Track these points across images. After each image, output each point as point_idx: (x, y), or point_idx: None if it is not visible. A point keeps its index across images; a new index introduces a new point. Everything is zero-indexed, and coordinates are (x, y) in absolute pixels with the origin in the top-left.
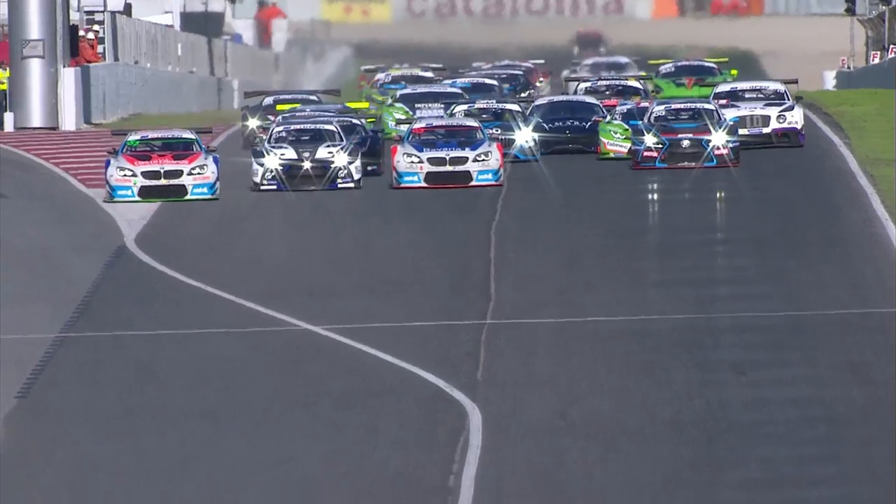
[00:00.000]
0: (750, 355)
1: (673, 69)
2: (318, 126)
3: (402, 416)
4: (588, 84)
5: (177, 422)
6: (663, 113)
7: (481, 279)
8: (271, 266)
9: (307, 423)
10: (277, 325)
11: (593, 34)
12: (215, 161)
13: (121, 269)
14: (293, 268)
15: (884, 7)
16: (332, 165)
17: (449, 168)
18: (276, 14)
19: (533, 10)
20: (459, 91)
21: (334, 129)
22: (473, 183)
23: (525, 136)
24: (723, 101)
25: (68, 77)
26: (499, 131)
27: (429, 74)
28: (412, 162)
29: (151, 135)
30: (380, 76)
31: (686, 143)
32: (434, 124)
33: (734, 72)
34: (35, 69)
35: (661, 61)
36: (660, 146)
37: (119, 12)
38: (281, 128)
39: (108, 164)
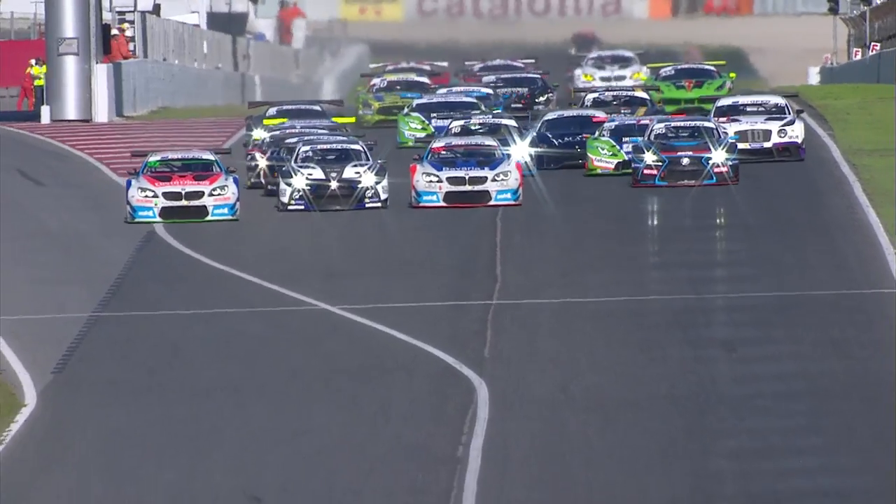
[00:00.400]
0: (739, 333)
1: (673, 72)
2: (344, 146)
3: (414, 390)
4: (595, 95)
5: (203, 395)
6: (663, 130)
7: (488, 262)
8: (292, 250)
9: (325, 397)
10: (297, 305)
11: (588, 34)
12: (235, 182)
13: (150, 253)
14: (312, 252)
15: (865, 7)
16: (360, 185)
17: (468, 187)
18: (297, 14)
19: (536, 10)
20: (475, 100)
21: (361, 149)
22: (492, 203)
23: (521, 151)
24: (724, 119)
25: (101, 73)
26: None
27: (424, 80)
28: (431, 181)
29: (171, 155)
30: (375, 81)
31: (686, 160)
32: (453, 143)
33: (733, 74)
34: (70, 65)
35: (662, 64)
36: (659, 164)
37: (149, 12)
38: (307, 147)
39: (128, 184)
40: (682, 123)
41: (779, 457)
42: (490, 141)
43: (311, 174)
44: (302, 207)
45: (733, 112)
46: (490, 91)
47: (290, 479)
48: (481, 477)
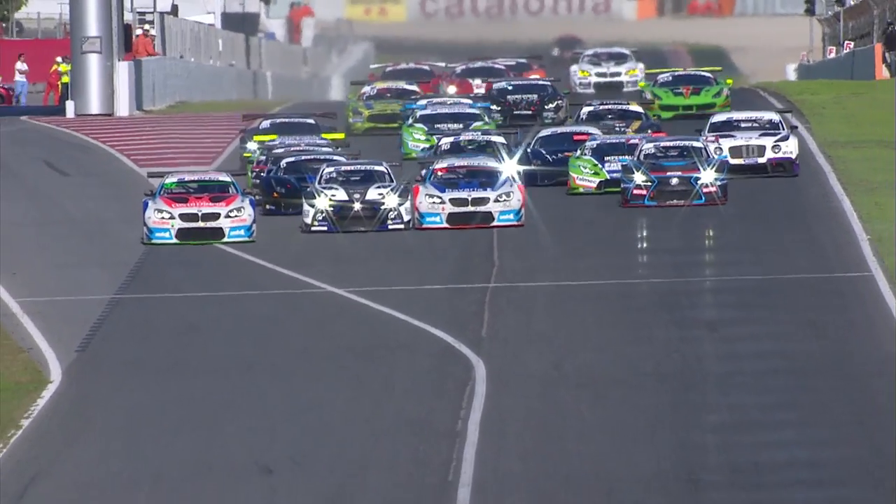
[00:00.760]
0: (722, 314)
1: (670, 78)
2: (367, 167)
3: (416, 368)
4: (591, 108)
5: (218, 373)
6: (652, 150)
7: (485, 248)
8: (301, 236)
9: (332, 374)
10: (307, 287)
11: (571, 37)
12: (251, 203)
13: None
14: (320, 238)
15: (839, 8)
16: (383, 207)
17: (471, 208)
18: (306, 14)
19: (531, 9)
20: (478, 112)
21: (384, 170)
22: (495, 223)
23: (510, 169)
24: (718, 134)
25: (122, 70)
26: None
27: (413, 87)
28: (434, 202)
29: (188, 177)
30: (365, 89)
31: (675, 181)
32: (455, 164)
33: (729, 81)
34: (93, 63)
35: (659, 70)
36: (649, 184)
37: (167, 12)
38: (331, 169)
39: (145, 205)
40: (671, 143)
41: (758, 430)
42: (492, 162)
43: (334, 195)
44: (325, 229)
45: (728, 128)
46: (487, 104)
47: (300, 450)
48: (479, 449)
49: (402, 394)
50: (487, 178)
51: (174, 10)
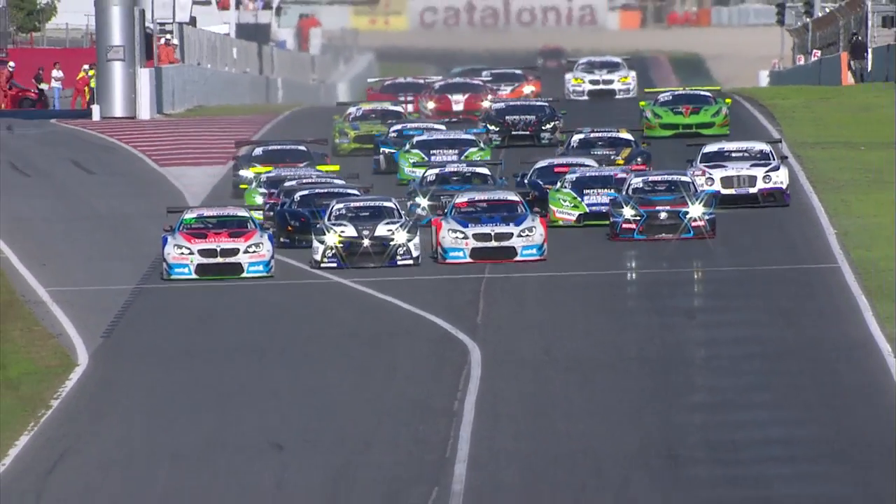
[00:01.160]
0: (700, 303)
1: (670, 97)
2: (376, 203)
3: (416, 352)
4: (581, 136)
5: (231, 357)
6: (641, 185)
7: None
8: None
9: (338, 359)
10: (314, 278)
11: (555, 48)
12: (270, 238)
13: None
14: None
15: (808, 19)
16: (392, 243)
17: (494, 243)
18: (313, 24)
19: (522, 21)
20: (473, 138)
21: (393, 206)
22: (518, 258)
23: None
24: (704, 168)
25: (144, 76)
26: None
27: (399, 109)
28: (457, 238)
29: (207, 213)
30: (351, 110)
31: (664, 215)
32: (476, 198)
33: (728, 100)
34: (117, 70)
35: (659, 90)
36: (638, 218)
37: (185, 23)
38: (341, 205)
39: (164, 241)
40: (659, 178)
41: (734, 410)
42: (513, 196)
43: (343, 231)
44: (335, 265)
45: (719, 158)
46: (483, 128)
47: (308, 429)
48: (475, 428)
49: (404, 377)
50: (509, 213)
51: (192, 21)
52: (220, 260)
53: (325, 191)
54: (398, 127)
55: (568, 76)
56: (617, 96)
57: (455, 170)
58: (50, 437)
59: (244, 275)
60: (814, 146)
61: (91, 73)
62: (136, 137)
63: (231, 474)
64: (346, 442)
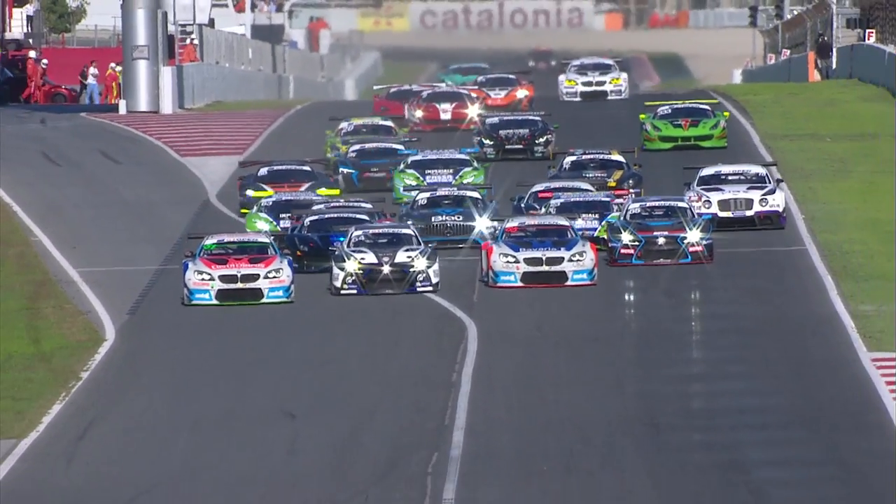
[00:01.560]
0: (677, 283)
1: (669, 111)
2: (395, 230)
3: (418, 328)
4: (574, 158)
5: (248, 332)
6: (638, 210)
7: None
8: None
9: (346, 333)
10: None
11: (545, 50)
12: (290, 264)
13: (206, 218)
14: None
15: (778, 21)
16: (412, 270)
17: (545, 268)
18: (323, 26)
19: (515, 23)
20: (467, 157)
21: (412, 233)
22: (569, 283)
23: (484, 224)
24: (700, 191)
25: (166, 74)
26: (460, 218)
27: (388, 124)
28: (509, 262)
29: (227, 238)
30: (343, 125)
31: (661, 240)
32: (526, 223)
33: (726, 114)
34: (142, 67)
35: (658, 103)
36: (636, 243)
37: (205, 24)
38: (360, 232)
39: (185, 266)
40: (656, 203)
41: (711, 381)
42: (563, 221)
43: (363, 258)
44: (354, 291)
45: (716, 181)
46: (477, 148)
47: (319, 398)
48: (471, 398)
49: (407, 350)
50: (559, 237)
51: (211, 23)
52: (240, 285)
53: (336, 215)
54: (356, 148)
55: (561, 78)
56: (609, 97)
57: (446, 193)
58: (80, 406)
59: (264, 300)
60: (783, 138)
61: (118, 70)
62: (159, 130)
63: (247, 441)
64: (352, 410)
